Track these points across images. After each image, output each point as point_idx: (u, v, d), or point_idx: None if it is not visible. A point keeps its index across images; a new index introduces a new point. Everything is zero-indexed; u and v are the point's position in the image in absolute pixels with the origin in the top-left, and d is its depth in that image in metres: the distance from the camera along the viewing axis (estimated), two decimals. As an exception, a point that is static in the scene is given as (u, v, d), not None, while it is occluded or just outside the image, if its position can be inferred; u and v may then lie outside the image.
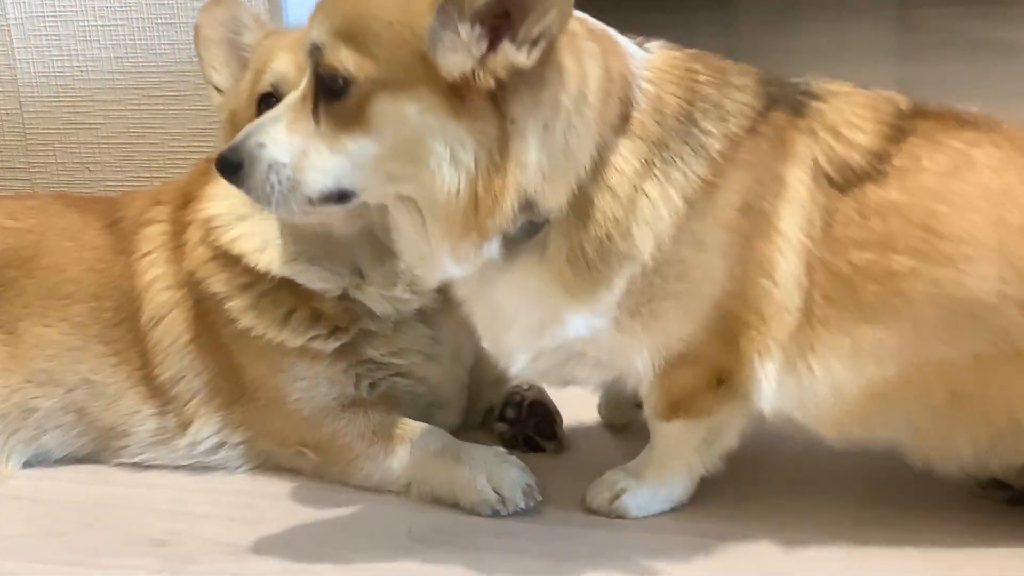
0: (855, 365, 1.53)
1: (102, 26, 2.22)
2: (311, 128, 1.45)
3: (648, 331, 1.54)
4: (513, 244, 1.49)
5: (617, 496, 1.69)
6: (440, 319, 1.87)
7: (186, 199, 1.91)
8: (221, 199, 1.85)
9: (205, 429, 1.91)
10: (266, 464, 1.90)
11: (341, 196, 1.49)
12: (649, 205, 1.48)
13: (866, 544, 1.60)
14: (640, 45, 1.57)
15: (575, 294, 1.51)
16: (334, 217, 1.72)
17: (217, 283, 1.85)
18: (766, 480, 1.77)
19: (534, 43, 1.37)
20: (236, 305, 1.83)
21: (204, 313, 1.87)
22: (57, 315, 1.94)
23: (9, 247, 1.97)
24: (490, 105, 1.40)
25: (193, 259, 1.87)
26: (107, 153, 2.30)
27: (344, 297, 1.81)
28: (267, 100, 1.75)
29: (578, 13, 1.48)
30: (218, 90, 1.92)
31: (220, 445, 1.91)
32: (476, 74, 1.38)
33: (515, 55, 1.37)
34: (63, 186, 2.32)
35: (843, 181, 1.53)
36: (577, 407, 1.96)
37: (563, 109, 1.42)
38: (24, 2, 2.27)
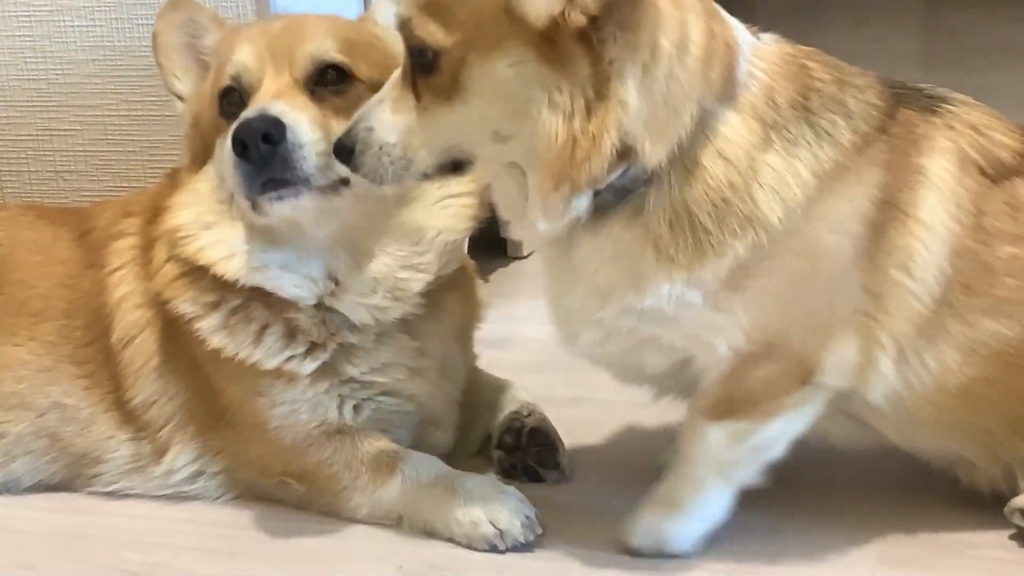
0: (968, 357, 1.59)
1: (79, 26, 2.21)
2: (413, 105, 1.52)
3: (748, 309, 1.54)
4: (603, 207, 1.51)
5: (660, 532, 1.67)
6: (425, 329, 1.85)
7: (156, 211, 1.89)
8: (186, 207, 1.84)
9: (181, 457, 1.90)
10: (248, 493, 1.89)
11: (455, 166, 1.56)
12: (773, 173, 1.50)
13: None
14: (753, 34, 1.60)
15: (672, 258, 1.51)
16: (305, 216, 1.72)
17: (185, 303, 1.82)
18: (784, 516, 1.75)
19: None
20: (206, 325, 1.81)
21: (176, 334, 1.86)
22: (27, 334, 1.95)
23: None
24: (582, 47, 1.41)
25: (160, 278, 1.85)
26: (83, 161, 2.30)
27: (320, 306, 1.79)
28: (228, 95, 1.77)
29: None
30: (180, 99, 1.91)
31: (198, 474, 1.90)
32: (566, 13, 1.39)
33: None
34: (36, 196, 2.33)
35: (995, 173, 1.60)
36: (581, 434, 1.95)
37: (664, 53, 1.44)
38: (2, 15, 2.28)
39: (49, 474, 1.94)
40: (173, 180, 1.92)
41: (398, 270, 1.79)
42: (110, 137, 2.26)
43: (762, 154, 1.51)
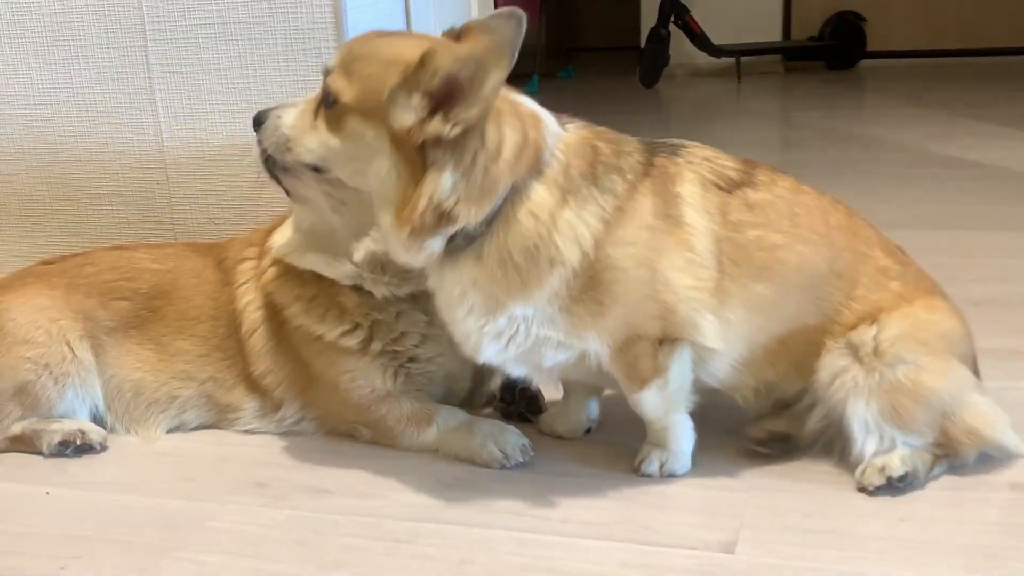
0: (748, 314, 1.58)
1: (226, 123, 2.24)
2: (310, 120, 1.54)
3: (592, 314, 1.51)
4: (457, 247, 1.49)
5: (664, 463, 1.66)
6: (433, 306, 1.81)
7: (267, 241, 1.92)
8: (278, 233, 1.88)
9: (290, 409, 1.92)
10: (334, 433, 1.91)
11: (316, 169, 1.58)
12: (569, 226, 1.48)
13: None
14: (564, 123, 1.57)
15: (508, 290, 1.49)
16: (320, 203, 1.70)
17: (280, 295, 1.85)
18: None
19: (456, 123, 1.40)
20: (293, 311, 1.84)
21: (279, 325, 1.88)
22: (189, 332, 1.97)
23: (156, 283, 1.99)
24: (411, 149, 1.44)
25: (264, 279, 1.88)
26: (228, 211, 2.32)
27: (358, 289, 1.80)
28: None
29: (517, 97, 1.54)
30: None
31: (301, 420, 1.92)
32: (412, 131, 1.42)
33: (441, 128, 1.40)
34: (197, 234, 2.34)
35: (728, 185, 1.60)
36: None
37: (479, 159, 1.44)
38: (174, 115, 2.28)
39: (206, 419, 1.97)
40: (277, 223, 1.94)
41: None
42: (245, 195, 2.29)
43: (560, 211, 1.48)
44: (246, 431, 1.94)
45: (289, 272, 1.84)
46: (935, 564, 1.40)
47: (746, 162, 1.66)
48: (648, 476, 1.67)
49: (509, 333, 1.53)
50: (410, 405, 1.82)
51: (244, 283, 1.95)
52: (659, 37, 6.52)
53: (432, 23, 2.52)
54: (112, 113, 2.33)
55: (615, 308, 1.51)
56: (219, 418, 1.97)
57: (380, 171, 1.46)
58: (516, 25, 1.44)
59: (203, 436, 1.95)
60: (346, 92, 1.47)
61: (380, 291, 1.80)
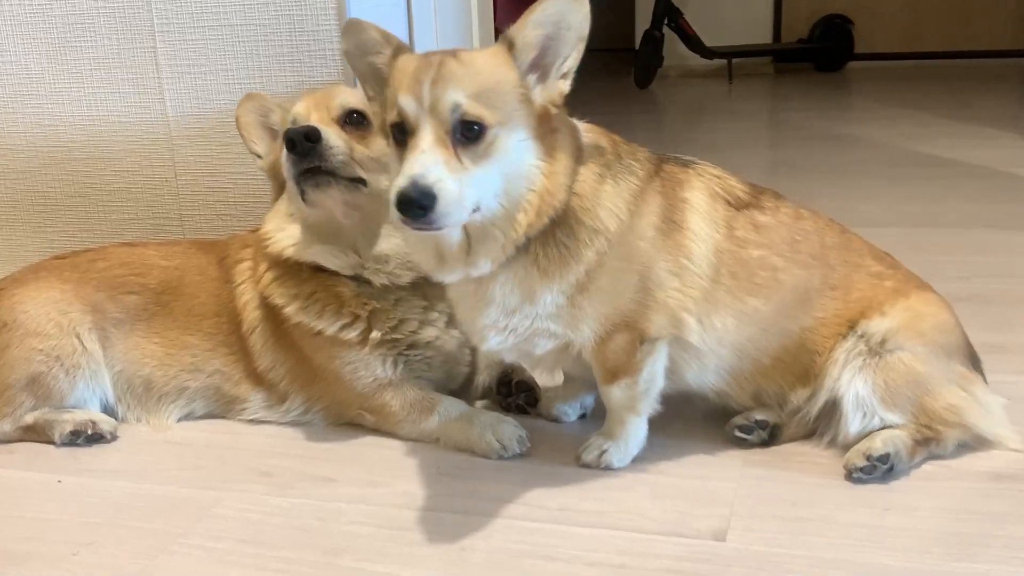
0: (739, 324, 1.62)
1: (233, 122, 2.18)
2: (459, 166, 1.37)
3: (593, 304, 1.54)
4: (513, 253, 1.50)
5: (603, 453, 1.67)
6: (430, 292, 1.83)
7: (260, 230, 1.90)
8: (270, 221, 1.86)
9: (295, 402, 1.91)
10: (339, 422, 1.91)
11: (474, 210, 1.42)
12: (608, 197, 1.52)
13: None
14: (579, 119, 1.62)
15: (548, 272, 1.51)
16: (336, 206, 1.71)
17: (278, 296, 1.84)
18: (675, 438, 1.77)
19: (564, 76, 1.45)
20: (291, 309, 1.83)
21: (279, 322, 1.87)
22: (195, 327, 1.96)
23: (164, 280, 1.98)
24: (551, 128, 1.47)
25: (262, 282, 1.87)
26: (234, 207, 2.31)
27: (356, 279, 1.79)
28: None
29: None
30: (259, 156, 1.92)
31: (307, 411, 1.92)
32: (546, 106, 1.45)
33: (560, 84, 1.46)
34: (204, 231, 2.32)
35: (736, 204, 1.64)
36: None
37: (562, 141, 1.50)
38: (183, 114, 2.27)
39: (214, 410, 1.97)
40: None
41: (405, 247, 1.78)
42: (250, 193, 2.29)
43: (601, 186, 1.52)
44: (252, 420, 1.94)
45: (286, 273, 1.83)
46: (918, 551, 1.40)
47: (753, 186, 1.70)
48: (586, 465, 1.67)
49: (512, 327, 1.55)
50: (413, 393, 1.82)
51: (242, 283, 1.94)
52: (653, 39, 6.52)
53: (433, 26, 2.51)
54: (122, 112, 2.32)
55: (613, 297, 1.54)
56: (226, 409, 1.96)
57: (528, 169, 1.44)
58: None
59: (211, 425, 1.95)
60: (490, 114, 1.38)
61: (380, 279, 1.79)
